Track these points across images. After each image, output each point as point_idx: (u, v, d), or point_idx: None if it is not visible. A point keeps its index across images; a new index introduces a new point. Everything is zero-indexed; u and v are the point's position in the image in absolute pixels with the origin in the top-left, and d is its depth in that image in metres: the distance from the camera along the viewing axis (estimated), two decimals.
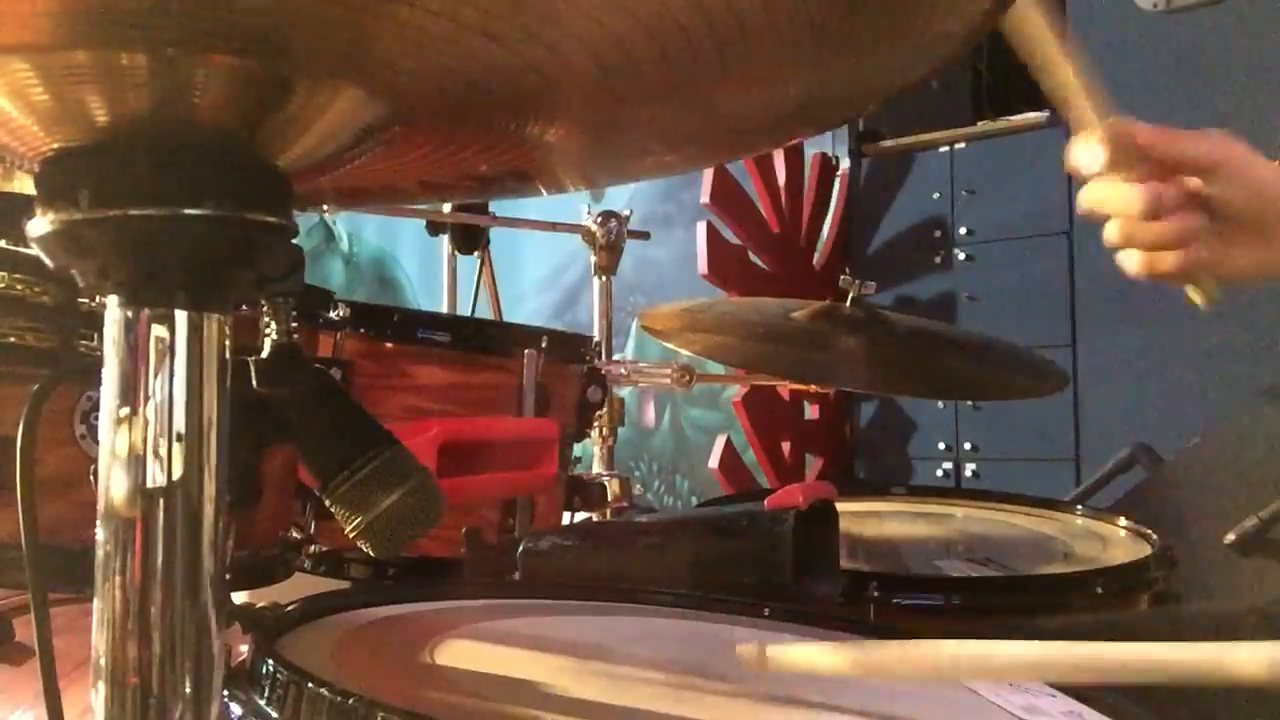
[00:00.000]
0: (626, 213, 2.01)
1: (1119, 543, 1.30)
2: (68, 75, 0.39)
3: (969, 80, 3.03)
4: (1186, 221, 0.85)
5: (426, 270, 4.47)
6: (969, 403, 2.90)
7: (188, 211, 0.42)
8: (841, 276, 1.44)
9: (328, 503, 0.56)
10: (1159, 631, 0.99)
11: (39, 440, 0.57)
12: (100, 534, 0.44)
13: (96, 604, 0.44)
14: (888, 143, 3.13)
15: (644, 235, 2.21)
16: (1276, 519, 1.17)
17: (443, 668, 0.64)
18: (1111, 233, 0.88)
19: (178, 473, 0.43)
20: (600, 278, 1.98)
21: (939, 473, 2.98)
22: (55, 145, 0.43)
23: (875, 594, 1.02)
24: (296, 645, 0.64)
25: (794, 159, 3.18)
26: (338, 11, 0.37)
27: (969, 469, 2.95)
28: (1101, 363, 2.69)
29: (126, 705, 0.44)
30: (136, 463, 0.43)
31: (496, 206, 2.23)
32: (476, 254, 2.28)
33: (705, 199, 3.00)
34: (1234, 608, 1.04)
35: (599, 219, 1.97)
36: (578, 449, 1.41)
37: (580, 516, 1.42)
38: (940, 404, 2.96)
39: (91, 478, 0.44)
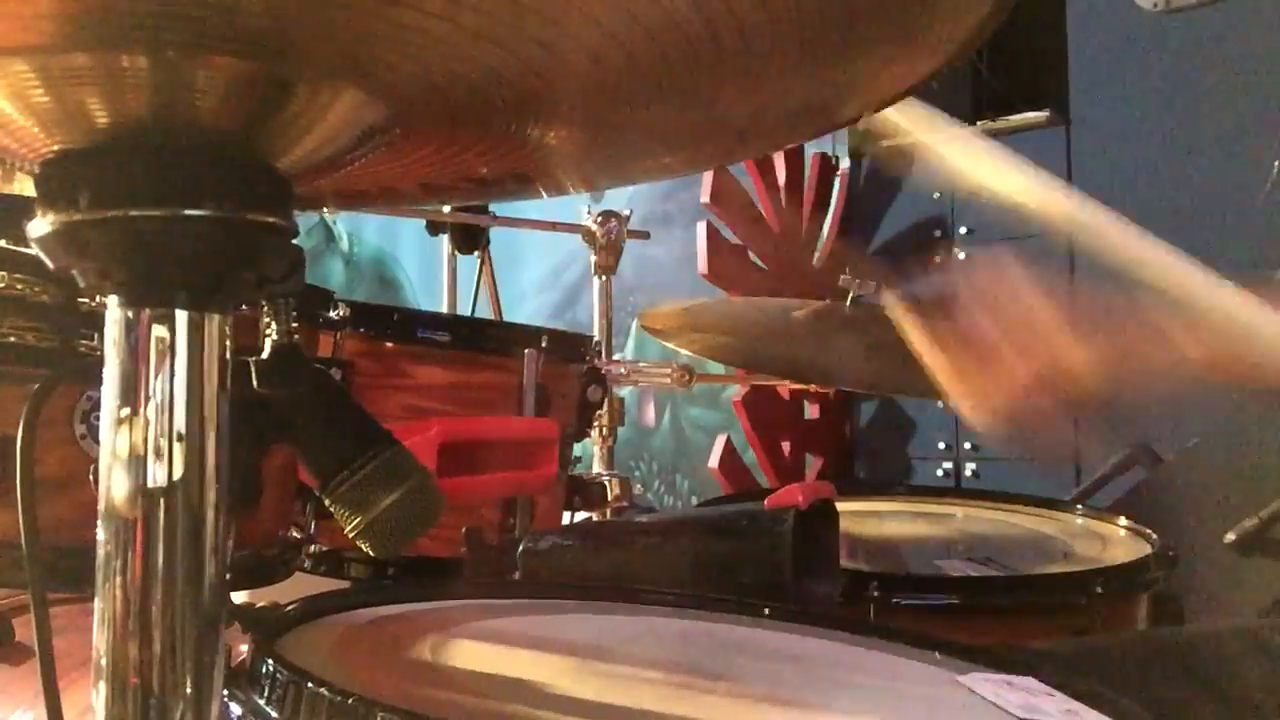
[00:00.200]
0: (626, 212, 2.01)
1: (1119, 542, 1.30)
2: (68, 77, 0.39)
3: (969, 80, 3.02)
4: None
5: (426, 270, 4.46)
6: None
7: (188, 212, 0.42)
8: (841, 276, 1.44)
9: (328, 503, 0.56)
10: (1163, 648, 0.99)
11: (39, 440, 0.57)
12: (100, 534, 0.44)
13: (97, 604, 0.44)
14: (887, 143, 3.13)
15: (644, 235, 2.21)
16: (1276, 519, 1.17)
17: (443, 668, 0.64)
18: None
19: (178, 473, 0.43)
20: (600, 277, 1.98)
21: (939, 473, 2.98)
22: (56, 147, 0.43)
23: (875, 594, 1.03)
24: (296, 645, 0.65)
25: (794, 159, 3.18)
26: (338, 14, 0.37)
27: (969, 469, 2.94)
28: None
29: (127, 705, 0.44)
30: (137, 463, 0.43)
31: (496, 206, 2.23)
32: (476, 254, 2.28)
33: (705, 199, 3.00)
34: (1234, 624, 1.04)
35: (599, 219, 1.97)
36: (578, 449, 1.41)
37: (580, 516, 1.42)
38: (940, 404, 2.95)
39: (91, 478, 0.44)
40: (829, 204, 3.27)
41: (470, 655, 0.67)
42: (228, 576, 0.46)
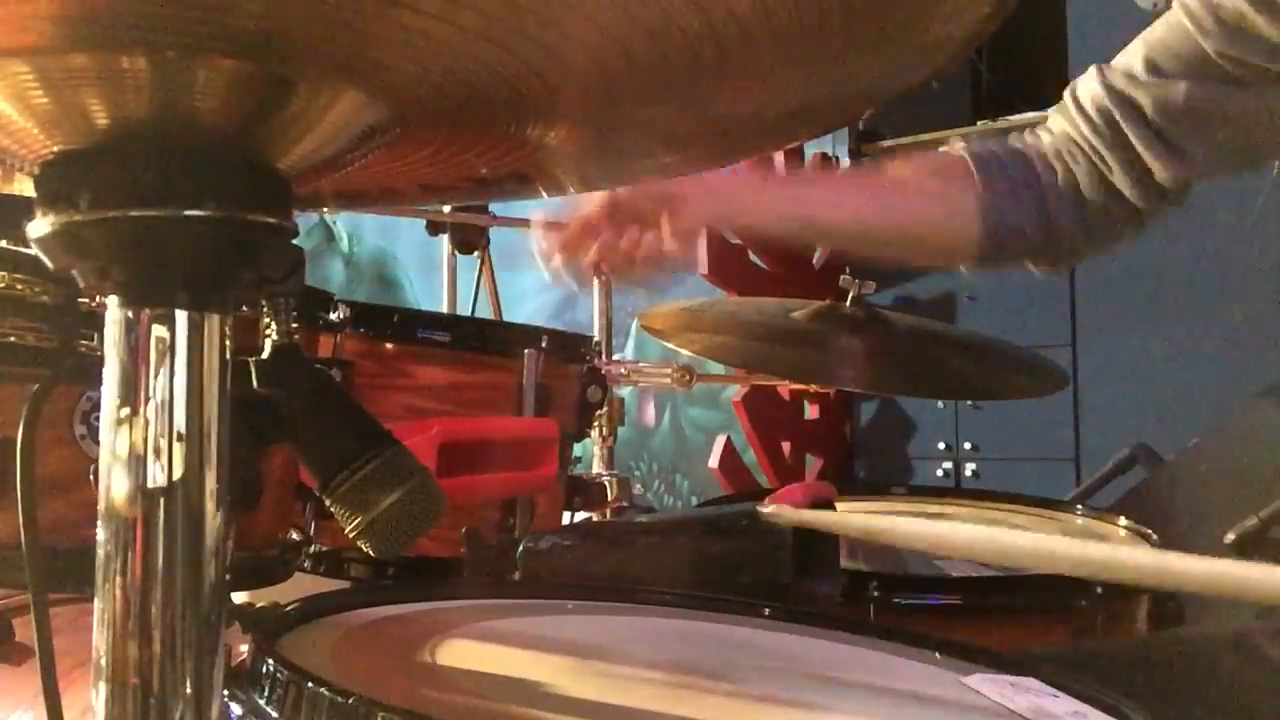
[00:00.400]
0: None
1: (1119, 543, 1.30)
2: (68, 78, 0.39)
3: (969, 80, 3.03)
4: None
5: (426, 270, 4.46)
6: (969, 403, 2.90)
7: (188, 213, 0.42)
8: (841, 276, 1.44)
9: (328, 503, 0.56)
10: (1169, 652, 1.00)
11: (39, 440, 0.57)
12: (100, 534, 0.44)
13: (97, 604, 0.44)
14: (888, 143, 3.13)
15: None
16: (1276, 519, 1.17)
17: (443, 668, 0.64)
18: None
19: (178, 473, 0.43)
20: (600, 277, 1.98)
21: (939, 473, 2.99)
22: (55, 148, 0.43)
23: (875, 594, 1.03)
24: (296, 645, 0.65)
25: (794, 158, 3.17)
26: (338, 14, 0.37)
27: (969, 469, 2.95)
28: (1101, 363, 2.69)
29: (127, 705, 0.44)
30: (137, 463, 0.43)
31: (496, 206, 2.23)
32: (476, 254, 2.28)
33: None
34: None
35: None
36: (578, 449, 1.41)
37: (580, 516, 1.42)
38: (940, 404, 2.96)
39: (91, 478, 0.44)
40: None
41: (470, 655, 0.67)
42: (228, 576, 0.46)
